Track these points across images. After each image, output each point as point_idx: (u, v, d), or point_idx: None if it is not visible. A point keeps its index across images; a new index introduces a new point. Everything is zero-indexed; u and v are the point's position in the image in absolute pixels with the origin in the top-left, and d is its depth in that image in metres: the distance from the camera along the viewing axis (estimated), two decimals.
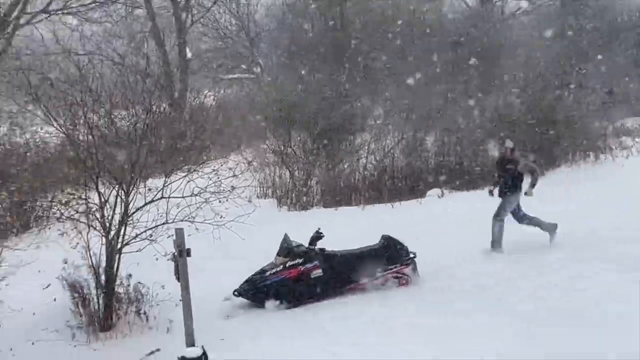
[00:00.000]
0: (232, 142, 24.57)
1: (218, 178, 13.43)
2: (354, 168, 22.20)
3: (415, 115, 24.72)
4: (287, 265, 12.62)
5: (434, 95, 25.60)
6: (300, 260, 12.52)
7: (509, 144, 14.26)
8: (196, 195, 12.77)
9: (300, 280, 12.46)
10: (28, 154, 19.38)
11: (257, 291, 12.55)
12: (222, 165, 14.96)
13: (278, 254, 12.86)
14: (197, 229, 12.08)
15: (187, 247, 10.11)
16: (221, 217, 12.68)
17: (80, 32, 27.51)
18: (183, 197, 12.67)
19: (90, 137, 12.95)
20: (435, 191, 20.56)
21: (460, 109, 25.00)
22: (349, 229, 16.49)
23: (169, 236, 11.86)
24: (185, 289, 10.21)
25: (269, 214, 18.40)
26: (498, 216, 14.11)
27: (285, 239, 12.92)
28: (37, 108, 14.15)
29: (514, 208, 14.14)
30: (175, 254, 10.31)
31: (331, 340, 10.25)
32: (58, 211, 12.83)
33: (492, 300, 11.17)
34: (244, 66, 34.56)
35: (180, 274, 10.23)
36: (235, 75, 34.53)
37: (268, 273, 12.63)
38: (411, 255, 12.95)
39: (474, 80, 27.30)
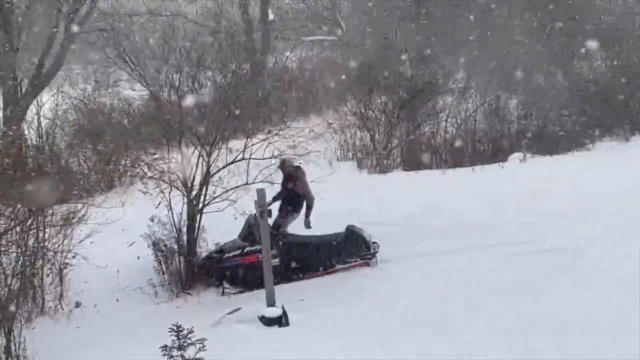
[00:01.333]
0: (313, 103, 24.56)
1: (299, 141, 13.41)
2: (435, 131, 21.94)
3: (497, 79, 24.31)
4: (245, 250, 12.33)
5: (517, 58, 25.09)
6: (258, 248, 11.61)
7: (292, 161, 13.34)
8: (276, 157, 12.77)
9: (255, 267, 11.81)
10: (113, 114, 19.66)
11: (214, 270, 12.41)
12: (302, 129, 14.99)
13: (239, 236, 12.56)
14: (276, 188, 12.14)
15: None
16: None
17: None
18: (263, 158, 12.69)
19: (174, 97, 13.12)
20: (517, 155, 20.17)
21: (544, 71, 24.50)
22: (429, 192, 16.35)
23: (248, 196, 12.01)
24: (266, 249, 10.29)
25: (349, 177, 18.35)
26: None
27: (249, 220, 12.36)
28: (124, 66, 14.34)
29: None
30: (257, 214, 10.40)
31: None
32: (141, 170, 13.02)
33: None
34: (325, 28, 34.34)
35: (262, 234, 10.32)
36: (317, 37, 34.30)
37: (226, 255, 12.37)
38: (372, 251, 12.57)
39: (558, 42, 26.62)
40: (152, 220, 12.14)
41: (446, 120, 22.16)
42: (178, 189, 12.41)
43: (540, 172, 17.79)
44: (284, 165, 12.82)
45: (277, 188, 12.35)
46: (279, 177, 12.63)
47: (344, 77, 24.94)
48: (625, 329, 8.39)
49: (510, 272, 11.26)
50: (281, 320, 9.92)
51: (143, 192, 12.57)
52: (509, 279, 10.95)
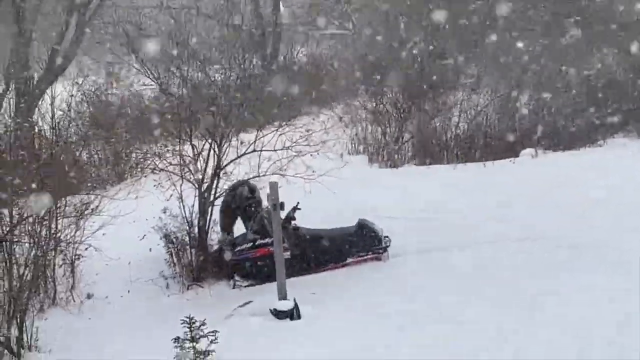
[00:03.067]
0: (324, 97, 24.48)
1: (309, 131, 13.42)
2: (446, 126, 21.88)
3: (509, 74, 24.21)
4: (256, 243, 12.25)
5: (529, 53, 24.97)
6: (270, 241, 11.52)
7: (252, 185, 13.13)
8: (288, 148, 12.77)
9: (266, 260, 11.73)
10: (123, 109, 19.66)
11: (225, 264, 12.42)
12: (313, 120, 15.01)
13: (251, 229, 12.49)
14: (287, 181, 12.13)
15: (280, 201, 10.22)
16: (313, 171, 12.62)
17: None
18: (275, 150, 12.70)
19: (184, 89, 13.13)
20: (528, 151, 20.11)
21: (556, 67, 24.39)
22: (440, 187, 16.34)
23: (260, 188, 12.03)
24: (278, 242, 10.30)
25: (360, 171, 18.32)
26: None
27: (261, 213, 12.33)
28: (134, 60, 14.36)
29: None
30: (269, 207, 10.42)
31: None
32: (152, 163, 13.05)
33: None
34: (336, 22, 34.31)
35: (273, 227, 10.32)
36: (328, 31, 34.27)
37: (237, 248, 12.35)
38: (384, 245, 12.49)
39: (571, 36, 26.49)
40: (164, 213, 12.16)
41: (459, 115, 22.10)
42: (189, 181, 12.44)
43: (552, 167, 17.80)
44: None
45: (291, 180, 12.29)
46: (290, 170, 12.62)
47: (354, 71, 24.95)
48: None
49: (522, 265, 11.30)
50: (293, 313, 9.91)
51: (155, 186, 12.61)
52: (520, 271, 10.97)
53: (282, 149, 12.72)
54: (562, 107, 22.58)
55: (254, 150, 12.66)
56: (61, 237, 11.73)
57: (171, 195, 12.28)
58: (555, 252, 11.75)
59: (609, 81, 22.79)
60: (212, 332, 8.30)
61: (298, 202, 12.29)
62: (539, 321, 8.99)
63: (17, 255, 10.54)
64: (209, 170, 12.50)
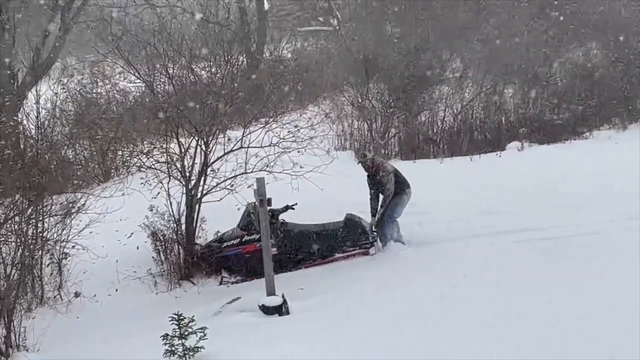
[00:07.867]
0: (310, 93, 24.43)
1: (296, 128, 13.41)
2: (432, 121, 21.92)
3: (494, 68, 24.25)
4: (243, 239, 12.35)
5: (514, 47, 25.04)
6: (257, 237, 11.69)
7: (369, 154, 13.14)
8: (275, 145, 12.77)
9: (254, 256, 11.92)
10: (110, 104, 19.59)
11: (212, 260, 12.49)
12: (300, 116, 14.98)
13: (238, 225, 12.55)
14: (275, 177, 12.11)
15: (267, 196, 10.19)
16: (301, 167, 12.62)
17: None
18: (262, 146, 12.69)
19: (170, 87, 13.10)
20: (514, 144, 20.19)
21: (541, 60, 24.46)
22: (427, 181, 16.30)
23: (248, 186, 12.01)
24: (266, 238, 10.27)
25: (346, 166, 18.27)
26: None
27: (248, 209, 12.42)
28: (119, 58, 14.30)
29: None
30: (256, 203, 10.40)
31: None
32: (139, 160, 13.02)
33: None
34: (321, 19, 34.30)
35: (261, 222, 10.31)
36: (313, 28, 34.26)
37: (225, 245, 12.42)
38: (371, 240, 12.58)
39: (555, 31, 26.58)
40: (151, 210, 12.15)
41: (444, 110, 22.13)
42: (176, 179, 12.43)
43: (538, 160, 17.85)
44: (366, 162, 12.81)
45: (278, 177, 12.27)
46: (277, 167, 12.60)
47: (340, 67, 24.93)
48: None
49: (512, 256, 11.33)
50: (281, 309, 9.90)
51: (142, 184, 12.60)
52: (511, 263, 11.02)
53: (269, 146, 12.73)
54: (547, 99, 22.65)
55: (241, 147, 12.67)
56: (48, 236, 11.70)
57: (158, 193, 12.29)
58: (543, 244, 11.77)
59: (593, 73, 22.85)
60: (201, 328, 8.30)
61: (296, 203, 12.36)
62: (530, 307, 8.98)
63: (4, 255, 10.50)
64: (196, 168, 12.49)
